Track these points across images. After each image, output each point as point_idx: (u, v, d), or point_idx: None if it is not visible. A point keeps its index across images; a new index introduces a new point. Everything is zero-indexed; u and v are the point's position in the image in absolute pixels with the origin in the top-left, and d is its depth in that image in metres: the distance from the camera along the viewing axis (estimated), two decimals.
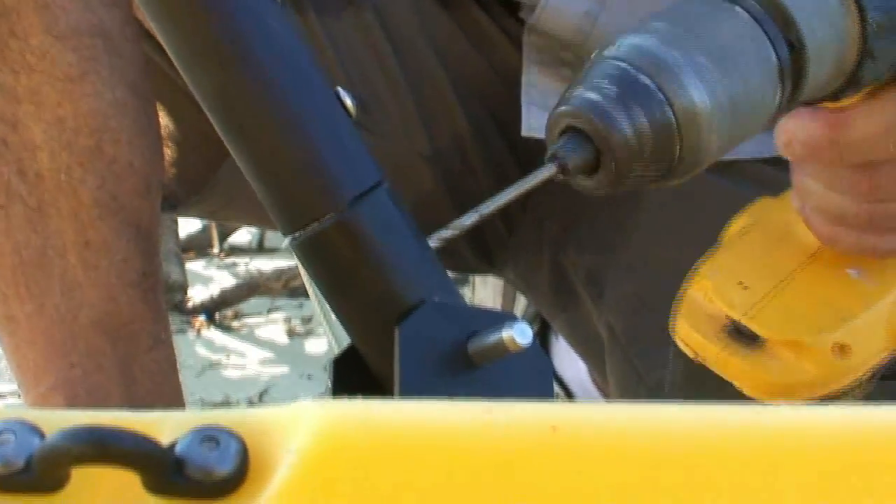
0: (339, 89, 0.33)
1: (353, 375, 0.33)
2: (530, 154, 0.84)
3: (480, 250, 0.88)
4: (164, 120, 0.76)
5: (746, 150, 0.78)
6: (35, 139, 0.62)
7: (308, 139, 0.32)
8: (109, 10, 0.64)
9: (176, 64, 0.32)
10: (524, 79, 0.78)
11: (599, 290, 0.79)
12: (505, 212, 0.86)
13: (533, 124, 0.78)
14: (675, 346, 0.53)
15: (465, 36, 0.82)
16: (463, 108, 0.82)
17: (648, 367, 0.74)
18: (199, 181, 0.78)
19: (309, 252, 0.33)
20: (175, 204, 0.80)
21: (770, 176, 0.78)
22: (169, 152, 0.79)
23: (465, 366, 0.31)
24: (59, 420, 0.26)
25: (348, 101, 0.33)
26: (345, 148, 0.32)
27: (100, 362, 0.64)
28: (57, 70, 0.61)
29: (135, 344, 0.66)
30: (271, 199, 0.33)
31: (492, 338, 0.31)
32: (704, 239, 0.77)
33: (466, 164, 0.84)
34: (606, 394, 1.13)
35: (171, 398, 0.69)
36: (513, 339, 0.31)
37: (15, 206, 0.62)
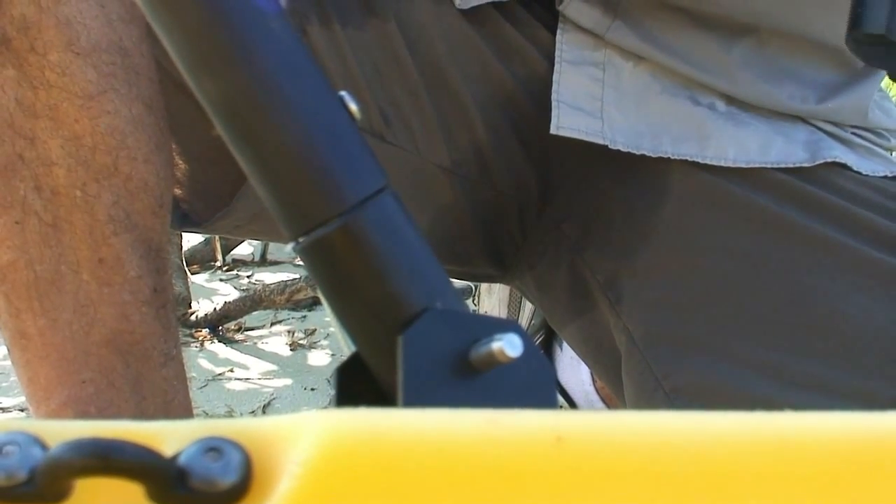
0: (344, 93, 0.33)
1: (358, 384, 0.33)
2: (548, 161, 0.85)
3: (493, 254, 0.88)
4: (187, 137, 0.76)
5: (770, 158, 0.79)
6: (51, 155, 0.61)
7: (312, 143, 0.32)
8: (128, 26, 0.63)
9: (178, 67, 0.32)
10: (555, 77, 0.79)
11: (618, 295, 0.79)
12: (519, 215, 0.86)
13: (562, 122, 0.78)
14: None
15: (489, 46, 0.82)
16: (483, 118, 0.83)
17: (666, 372, 0.74)
18: (226, 197, 0.77)
19: (313, 257, 0.32)
20: (198, 222, 0.80)
21: (792, 186, 0.78)
22: (193, 169, 0.79)
23: (468, 373, 0.31)
24: (62, 432, 0.26)
25: (353, 106, 0.33)
26: (349, 152, 0.32)
27: (111, 379, 0.64)
28: (76, 87, 0.61)
29: (147, 361, 0.65)
30: (276, 203, 0.33)
31: (486, 347, 0.31)
32: (723, 246, 0.77)
33: (485, 174, 0.84)
34: (610, 405, 1.13)
35: (181, 414, 0.68)
36: (502, 351, 0.31)
37: (30, 222, 0.62)
